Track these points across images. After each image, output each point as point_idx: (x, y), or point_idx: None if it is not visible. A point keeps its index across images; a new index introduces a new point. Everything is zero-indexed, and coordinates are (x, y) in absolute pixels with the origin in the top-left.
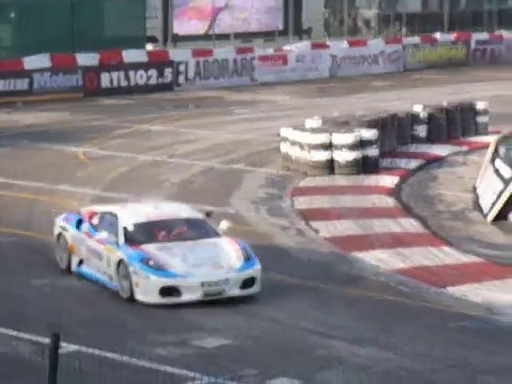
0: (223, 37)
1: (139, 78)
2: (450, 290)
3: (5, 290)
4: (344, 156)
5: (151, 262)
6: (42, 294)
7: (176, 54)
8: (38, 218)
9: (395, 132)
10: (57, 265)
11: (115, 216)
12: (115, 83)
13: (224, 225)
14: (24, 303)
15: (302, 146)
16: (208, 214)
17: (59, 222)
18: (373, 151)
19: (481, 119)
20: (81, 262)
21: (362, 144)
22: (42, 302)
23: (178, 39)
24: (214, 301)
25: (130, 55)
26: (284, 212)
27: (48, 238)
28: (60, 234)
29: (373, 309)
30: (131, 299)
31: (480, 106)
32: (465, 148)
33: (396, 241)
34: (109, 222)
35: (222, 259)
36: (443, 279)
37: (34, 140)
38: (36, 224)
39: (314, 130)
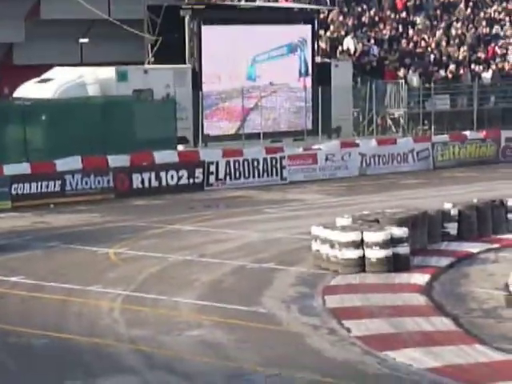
0: (252, 136)
1: (170, 178)
2: None
3: None
4: (375, 254)
5: None
6: None
7: (206, 154)
8: (69, 319)
9: (426, 230)
10: (88, 366)
11: None
12: (146, 184)
13: None
14: None
15: (332, 244)
16: None
17: None
18: (404, 249)
19: None
20: None
21: (392, 242)
22: None
23: (208, 140)
24: None
25: (161, 156)
26: (315, 311)
27: (79, 340)
28: None
29: None
30: None
31: (511, 202)
32: (496, 245)
33: (428, 339)
34: None
35: None
36: (476, 377)
37: (65, 241)
38: (68, 325)
39: (344, 228)
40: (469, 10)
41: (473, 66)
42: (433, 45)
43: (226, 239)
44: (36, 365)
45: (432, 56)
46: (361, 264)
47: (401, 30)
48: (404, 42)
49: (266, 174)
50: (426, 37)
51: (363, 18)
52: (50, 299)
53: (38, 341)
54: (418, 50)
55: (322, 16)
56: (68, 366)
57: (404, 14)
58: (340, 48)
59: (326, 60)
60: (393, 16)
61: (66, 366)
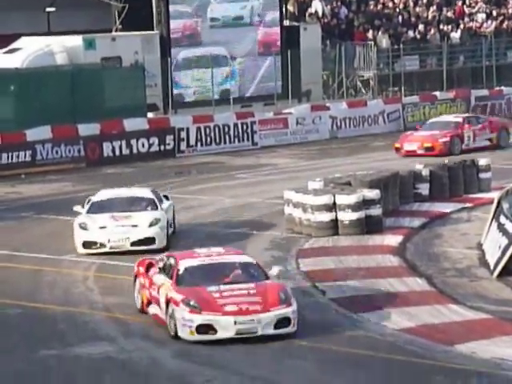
0: (222, 102)
1: (141, 146)
2: (459, 347)
3: (12, 361)
4: (347, 216)
5: None
6: (50, 366)
7: (177, 120)
8: (43, 289)
9: (398, 191)
10: (63, 335)
11: None
12: (117, 152)
13: None
14: (32, 375)
15: (305, 208)
16: None
17: None
18: (376, 211)
19: (483, 176)
20: None
21: (365, 204)
22: (50, 372)
23: (179, 106)
24: None
25: (132, 124)
26: (290, 274)
27: (54, 309)
28: None
29: (381, 369)
30: None
31: (482, 162)
32: (468, 205)
33: (402, 300)
34: None
35: None
36: (451, 337)
37: (37, 211)
38: (42, 295)
39: (316, 192)
40: None
41: (441, 25)
42: (401, 5)
43: (198, 205)
44: (11, 335)
45: (400, 17)
46: (334, 227)
47: None
48: (372, 3)
49: (237, 140)
50: None
51: None
52: (23, 269)
53: (13, 311)
54: (386, 11)
55: None
56: (43, 336)
57: None
58: (308, 11)
59: (295, 23)
60: None
61: (41, 336)
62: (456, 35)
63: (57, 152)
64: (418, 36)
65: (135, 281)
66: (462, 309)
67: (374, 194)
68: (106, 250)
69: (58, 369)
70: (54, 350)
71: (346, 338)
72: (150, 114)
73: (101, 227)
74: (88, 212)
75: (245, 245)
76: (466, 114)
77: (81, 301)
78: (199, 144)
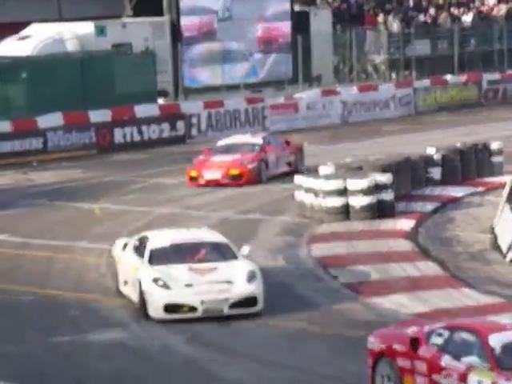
0: (233, 87)
1: (152, 132)
2: None
3: (25, 348)
4: (359, 201)
5: None
6: (63, 352)
7: (188, 106)
8: (56, 275)
9: (409, 175)
10: (76, 322)
11: None
12: (128, 138)
13: None
14: (44, 361)
15: (316, 193)
16: None
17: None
18: (388, 195)
19: (495, 159)
20: None
21: (376, 188)
22: (63, 359)
23: (190, 92)
24: None
25: (142, 110)
26: (301, 260)
27: (67, 295)
28: None
29: None
30: None
31: (494, 146)
32: (480, 189)
33: (415, 284)
34: None
35: None
36: None
37: (49, 198)
38: (55, 282)
39: (327, 177)
40: None
41: (452, 9)
42: None
43: (209, 191)
44: (24, 321)
45: (411, 1)
46: (345, 212)
47: None
48: None
49: (247, 125)
50: None
51: None
52: (36, 256)
53: (26, 297)
54: None
55: None
56: (56, 322)
57: None
58: None
59: (305, 9)
60: None
61: (53, 322)
62: (467, 19)
63: (68, 139)
64: (429, 20)
65: (376, 363)
66: (474, 293)
67: (385, 178)
68: (198, 314)
69: (70, 355)
70: (66, 337)
71: (358, 323)
72: (160, 100)
73: (187, 285)
74: (151, 263)
75: (256, 230)
76: (263, 134)
77: (94, 287)
78: (210, 129)
